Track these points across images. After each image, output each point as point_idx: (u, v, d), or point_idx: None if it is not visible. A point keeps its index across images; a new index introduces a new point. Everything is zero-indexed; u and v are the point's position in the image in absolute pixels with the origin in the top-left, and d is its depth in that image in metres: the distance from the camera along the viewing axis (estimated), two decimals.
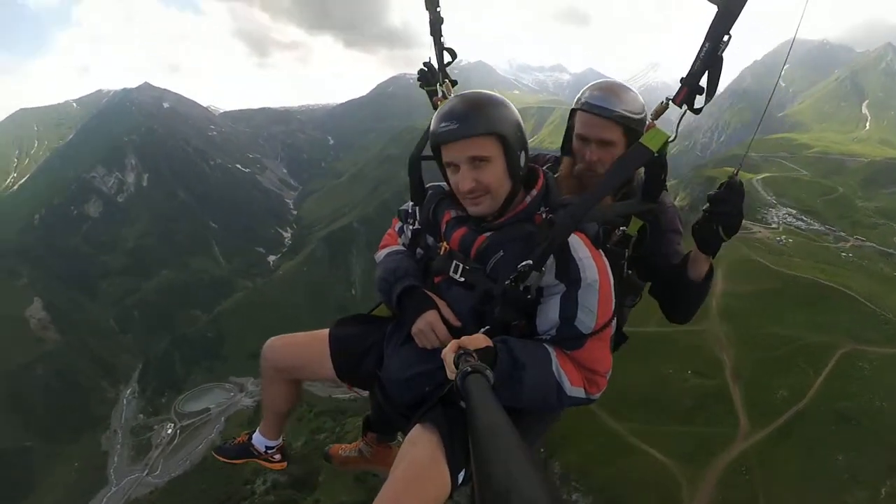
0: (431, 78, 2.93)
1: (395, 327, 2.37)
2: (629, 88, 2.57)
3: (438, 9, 2.80)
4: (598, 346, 1.98)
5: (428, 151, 2.24)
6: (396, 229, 2.55)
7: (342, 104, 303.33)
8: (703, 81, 1.94)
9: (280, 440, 3.02)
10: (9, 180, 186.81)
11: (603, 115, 2.47)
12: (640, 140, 1.98)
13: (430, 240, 2.32)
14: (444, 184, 2.24)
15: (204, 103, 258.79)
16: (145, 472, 75.89)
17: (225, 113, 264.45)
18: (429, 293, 2.18)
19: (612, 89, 2.53)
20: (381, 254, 2.50)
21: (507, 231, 2.06)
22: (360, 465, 3.19)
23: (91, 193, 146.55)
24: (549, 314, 1.95)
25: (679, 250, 2.55)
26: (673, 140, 1.96)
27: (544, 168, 2.24)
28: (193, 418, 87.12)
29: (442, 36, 2.87)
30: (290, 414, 2.92)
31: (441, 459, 1.83)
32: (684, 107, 1.94)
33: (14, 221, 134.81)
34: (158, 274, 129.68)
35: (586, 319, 1.91)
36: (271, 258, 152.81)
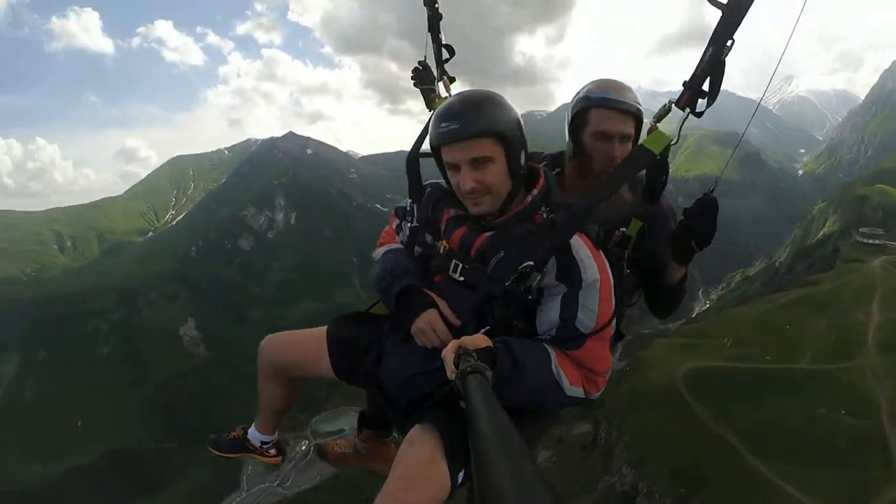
0: (426, 77, 2.88)
1: (393, 326, 2.32)
2: (625, 83, 2.49)
3: (437, 5, 2.77)
4: (598, 345, 1.97)
5: (426, 149, 2.23)
6: (394, 227, 2.50)
7: None
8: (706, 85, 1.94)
9: (275, 435, 3.01)
10: (168, 216, 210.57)
11: (622, 108, 2.39)
12: (642, 143, 2.01)
13: (429, 238, 2.26)
14: (442, 181, 2.20)
15: (343, 149, 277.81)
16: (276, 483, 77.44)
17: (364, 157, 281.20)
18: (428, 292, 2.13)
19: (616, 85, 2.45)
20: (378, 252, 2.47)
21: (507, 230, 2.02)
22: (355, 462, 3.14)
23: (243, 230, 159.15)
24: (550, 314, 1.93)
25: (666, 252, 2.48)
26: (675, 143, 1.97)
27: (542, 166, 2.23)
28: (328, 437, 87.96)
29: (440, 32, 2.84)
30: (286, 411, 2.90)
31: (440, 459, 1.81)
32: (687, 110, 1.95)
33: (173, 251, 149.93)
34: (303, 304, 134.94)
35: (586, 319, 1.90)
36: None
